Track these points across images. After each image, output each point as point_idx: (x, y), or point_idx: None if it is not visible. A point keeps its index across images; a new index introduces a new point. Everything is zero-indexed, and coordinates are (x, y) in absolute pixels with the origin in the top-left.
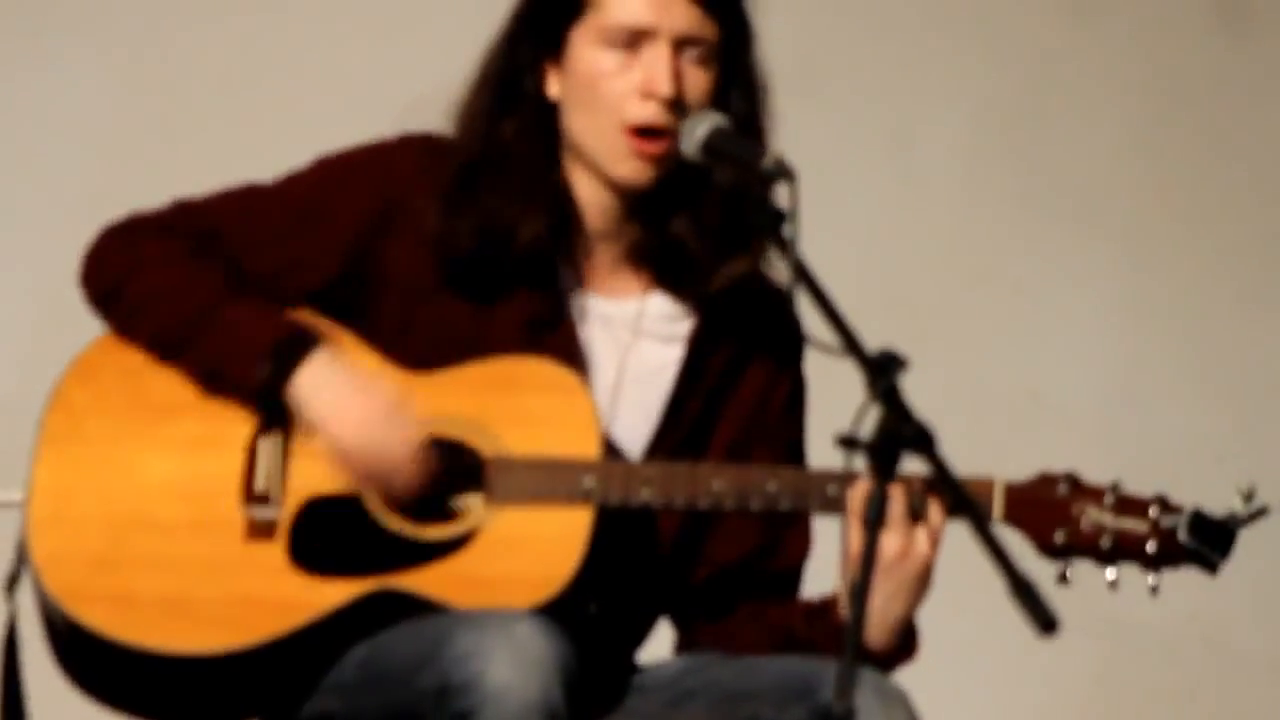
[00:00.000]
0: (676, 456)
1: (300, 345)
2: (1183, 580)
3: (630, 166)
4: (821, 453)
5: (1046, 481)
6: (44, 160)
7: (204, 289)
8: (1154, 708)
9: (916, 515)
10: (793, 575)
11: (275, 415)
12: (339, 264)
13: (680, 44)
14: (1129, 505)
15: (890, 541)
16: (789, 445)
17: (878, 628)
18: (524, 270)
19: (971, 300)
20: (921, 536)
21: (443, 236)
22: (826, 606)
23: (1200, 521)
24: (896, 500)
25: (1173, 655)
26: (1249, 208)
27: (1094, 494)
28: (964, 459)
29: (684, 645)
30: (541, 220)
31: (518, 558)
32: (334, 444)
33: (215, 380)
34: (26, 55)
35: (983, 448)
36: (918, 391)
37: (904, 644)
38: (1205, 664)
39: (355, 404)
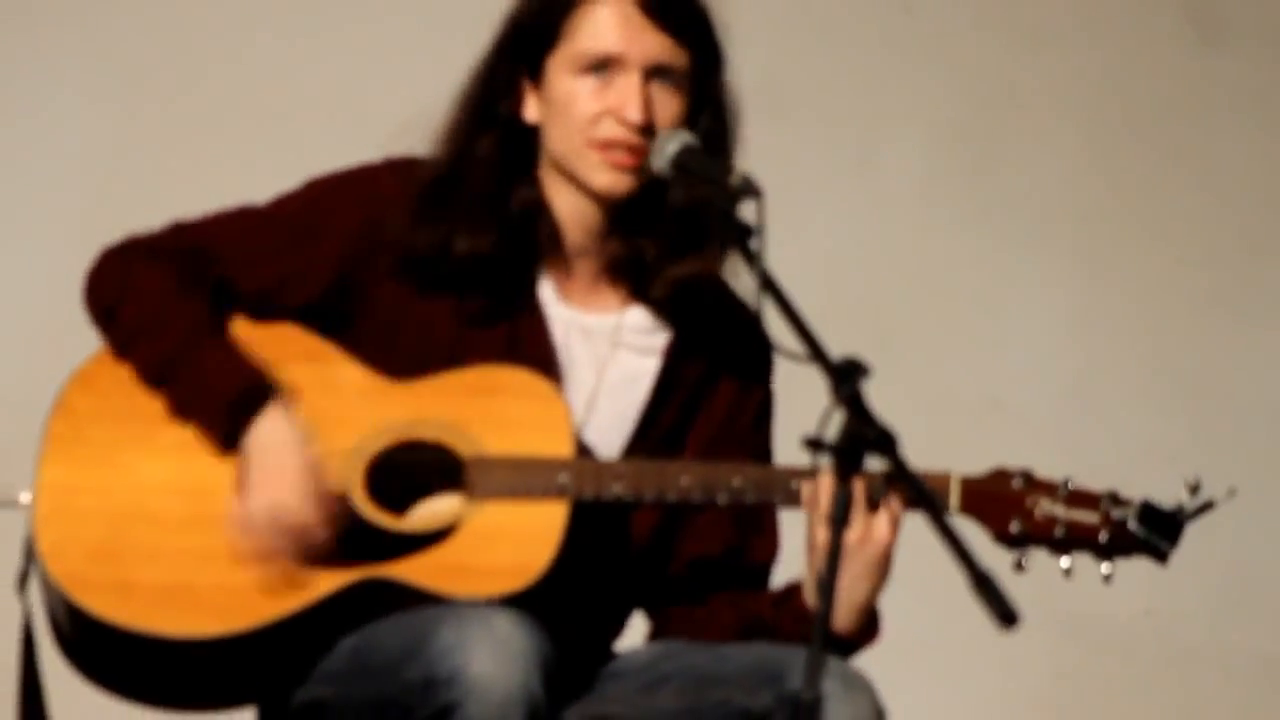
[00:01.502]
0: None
1: (250, 407)
2: (1137, 577)
3: (606, 177)
4: (789, 454)
5: (1001, 476)
6: (43, 175)
7: (181, 328)
8: (1109, 699)
9: (875, 503)
10: (762, 573)
11: None
12: (327, 280)
13: (650, 72)
14: (1081, 498)
15: (851, 528)
16: (756, 457)
17: (843, 611)
18: (504, 285)
19: (932, 311)
20: (881, 522)
21: (405, 249)
22: (791, 592)
23: (1150, 512)
24: (856, 488)
25: (1128, 649)
26: (1200, 220)
27: (1047, 488)
28: (926, 463)
29: (656, 634)
30: (486, 235)
31: (498, 548)
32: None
33: (188, 421)
34: (28, 68)
35: (944, 452)
36: (881, 398)
37: (867, 628)
38: (1159, 658)
39: (271, 473)
